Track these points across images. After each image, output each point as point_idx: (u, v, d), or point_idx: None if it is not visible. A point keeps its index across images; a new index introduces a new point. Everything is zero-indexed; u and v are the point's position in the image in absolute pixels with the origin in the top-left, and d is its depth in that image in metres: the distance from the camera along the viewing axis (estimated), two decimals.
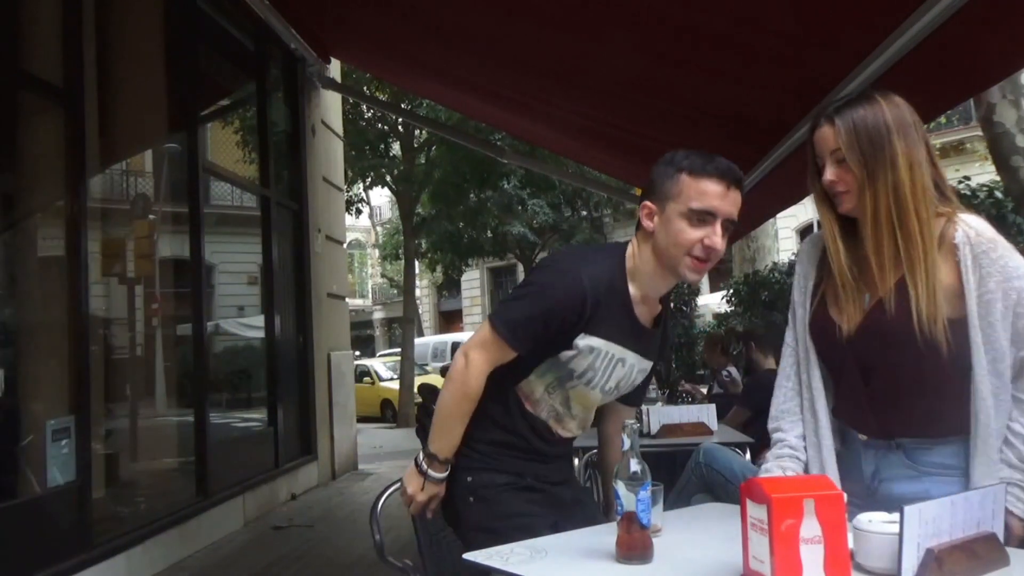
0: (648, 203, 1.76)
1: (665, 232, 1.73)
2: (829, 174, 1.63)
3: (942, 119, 14.30)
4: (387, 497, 2.21)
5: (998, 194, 3.99)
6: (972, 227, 1.55)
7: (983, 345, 1.52)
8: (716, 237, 1.71)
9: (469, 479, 1.89)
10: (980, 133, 4.91)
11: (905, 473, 1.62)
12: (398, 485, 2.13)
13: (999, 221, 3.90)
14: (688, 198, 1.70)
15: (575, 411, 1.93)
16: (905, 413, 1.61)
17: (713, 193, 1.71)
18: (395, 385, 16.08)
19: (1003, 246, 1.55)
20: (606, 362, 1.84)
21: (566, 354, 1.81)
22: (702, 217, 1.71)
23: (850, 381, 1.68)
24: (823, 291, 1.73)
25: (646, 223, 1.76)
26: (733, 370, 5.99)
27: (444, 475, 1.87)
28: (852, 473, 1.69)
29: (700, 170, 1.71)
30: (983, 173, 5.10)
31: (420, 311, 28.14)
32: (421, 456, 1.89)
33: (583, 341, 1.80)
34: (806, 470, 1.74)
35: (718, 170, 1.72)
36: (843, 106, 1.63)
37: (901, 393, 1.61)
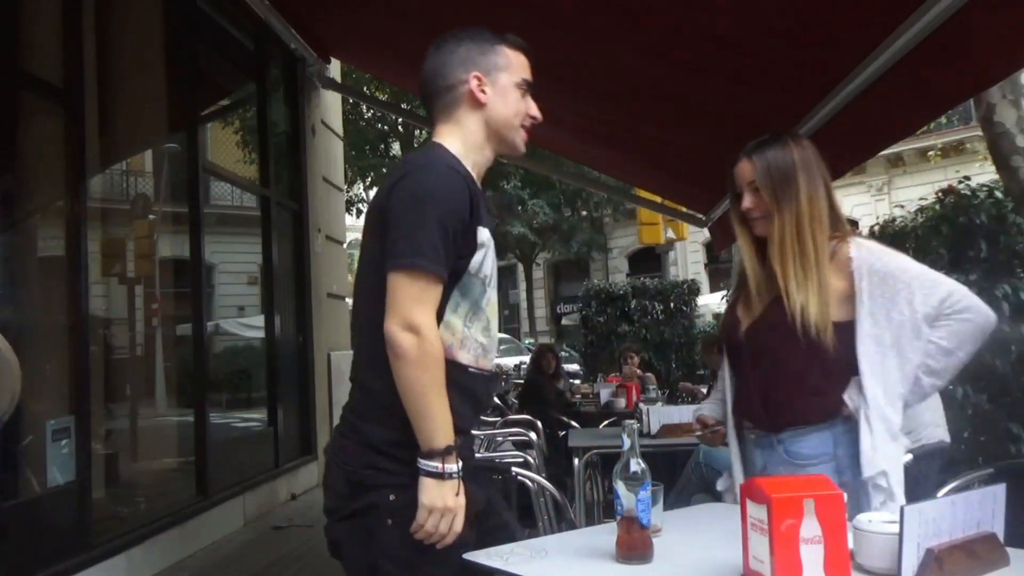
0: (476, 75, 1.67)
1: (503, 103, 1.69)
2: (746, 201, 1.90)
3: (942, 119, 14.30)
4: None
5: (998, 194, 3.99)
6: (864, 243, 1.86)
7: (873, 342, 1.78)
8: (535, 107, 1.74)
9: (392, 497, 1.52)
10: (980, 133, 4.91)
11: (786, 468, 1.81)
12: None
13: (999, 221, 3.90)
14: (519, 69, 1.72)
15: (493, 330, 1.67)
16: (788, 400, 1.84)
17: (529, 66, 1.75)
18: None
19: (890, 252, 1.85)
20: (492, 252, 1.65)
21: (475, 261, 1.58)
22: (528, 88, 1.73)
23: (744, 372, 1.95)
24: (739, 298, 2.01)
25: (479, 95, 1.67)
26: None
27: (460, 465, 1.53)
28: (748, 468, 1.93)
29: (518, 45, 1.75)
30: (983, 173, 5.09)
31: None
32: (431, 464, 1.49)
33: (482, 235, 1.60)
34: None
35: (526, 45, 1.76)
36: (760, 145, 1.91)
37: (785, 380, 1.85)
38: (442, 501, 1.49)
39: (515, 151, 1.75)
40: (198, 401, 5.22)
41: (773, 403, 1.86)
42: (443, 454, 1.49)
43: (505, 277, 28.01)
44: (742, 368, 1.95)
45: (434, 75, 1.69)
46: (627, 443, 1.54)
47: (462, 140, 1.67)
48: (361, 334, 1.62)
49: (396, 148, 16.97)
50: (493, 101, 1.68)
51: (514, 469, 2.38)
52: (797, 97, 2.78)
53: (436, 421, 1.50)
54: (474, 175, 1.67)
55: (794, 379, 1.84)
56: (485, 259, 1.61)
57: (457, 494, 1.51)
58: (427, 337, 1.48)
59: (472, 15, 3.50)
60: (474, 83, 1.67)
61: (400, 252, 1.50)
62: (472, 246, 1.58)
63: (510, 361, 15.35)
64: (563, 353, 13.68)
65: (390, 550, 1.52)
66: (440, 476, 1.48)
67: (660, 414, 3.89)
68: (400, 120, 15.69)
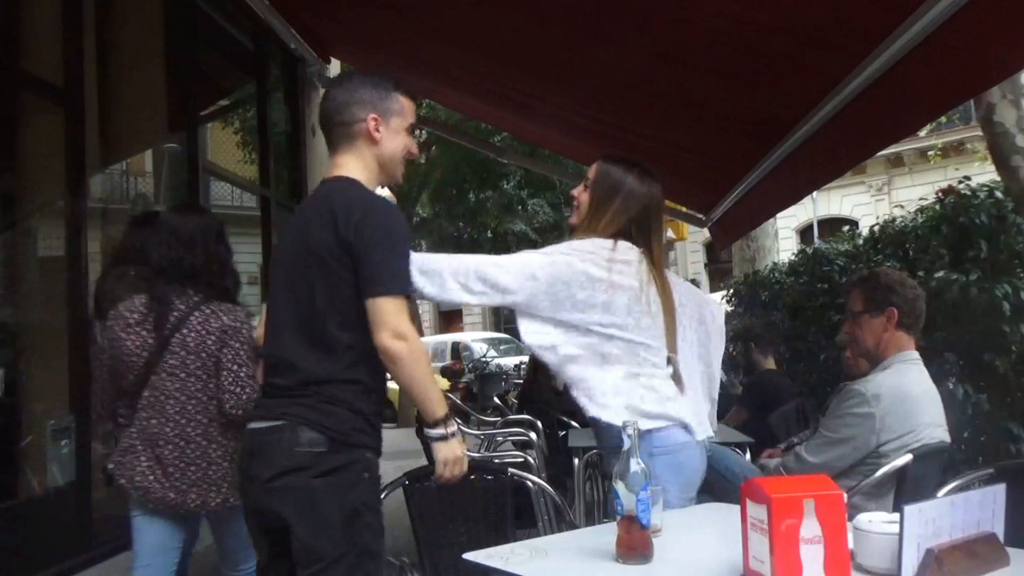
0: (374, 116, 1.98)
1: (393, 142, 2.01)
2: None
3: (942, 119, 14.30)
4: (384, 497, 2.21)
5: (998, 194, 3.98)
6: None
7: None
8: (415, 146, 2.10)
9: (368, 455, 1.93)
10: (980, 133, 4.91)
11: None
12: (394, 484, 2.15)
13: (999, 221, 3.89)
14: (408, 115, 2.04)
15: None
16: None
17: (415, 110, 2.09)
18: (395, 385, 16.05)
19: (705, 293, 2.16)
20: None
21: None
22: (412, 130, 2.07)
23: None
24: None
25: (375, 134, 1.98)
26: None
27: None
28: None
29: (410, 93, 2.07)
30: (983, 173, 5.09)
31: (420, 311, 28.12)
32: (437, 431, 1.93)
33: None
34: None
35: (415, 93, 2.12)
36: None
37: None
38: (452, 454, 1.94)
39: (395, 181, 2.09)
40: None
41: None
42: (443, 421, 1.92)
43: None
44: None
45: (337, 110, 2.00)
46: (627, 443, 1.55)
47: (362, 171, 1.99)
48: (329, 342, 1.88)
49: None
50: (385, 140, 2.00)
51: (511, 470, 2.38)
52: (797, 97, 2.78)
53: (433, 399, 1.92)
54: None
55: None
56: None
57: (460, 445, 1.96)
58: (413, 340, 1.85)
59: (472, 15, 3.51)
60: (372, 123, 1.98)
61: (382, 280, 1.83)
62: None
63: (510, 361, 15.34)
64: None
65: (367, 497, 1.89)
66: (445, 438, 1.93)
67: None
68: None
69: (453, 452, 1.93)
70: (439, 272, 2.00)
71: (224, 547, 2.61)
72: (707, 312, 2.46)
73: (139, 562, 2.60)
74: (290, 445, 1.81)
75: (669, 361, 2.19)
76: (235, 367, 2.43)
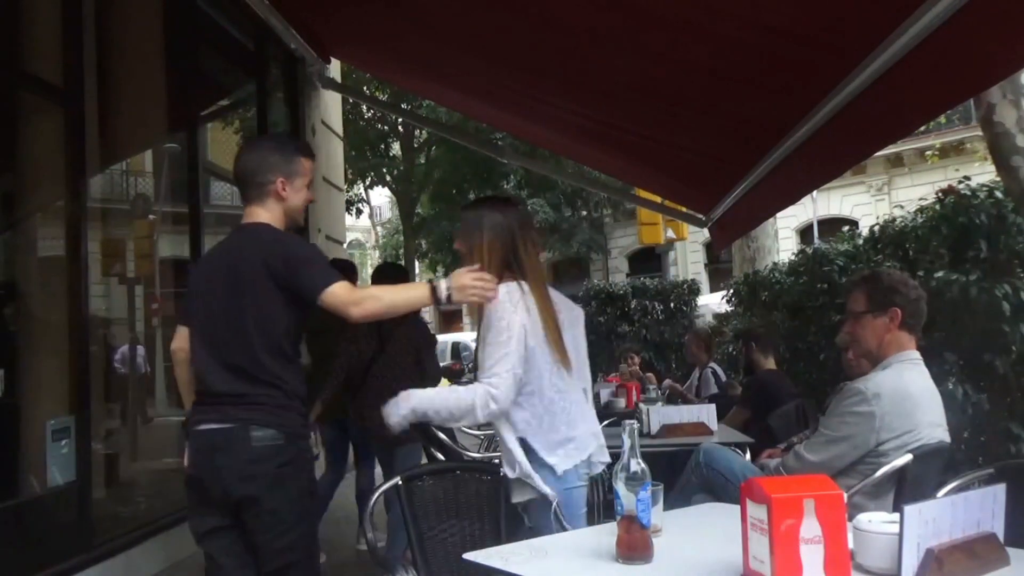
0: (282, 179, 2.39)
1: (296, 197, 2.42)
2: None
3: (942, 119, 14.30)
4: (379, 496, 2.22)
5: (998, 194, 3.98)
6: None
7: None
8: (312, 195, 2.53)
9: (307, 443, 2.39)
10: (980, 133, 4.91)
11: None
12: (391, 484, 2.17)
13: (999, 221, 3.89)
14: (307, 173, 2.46)
15: None
16: None
17: (312, 166, 2.50)
18: None
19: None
20: None
21: None
22: (311, 183, 2.50)
23: None
24: None
25: (282, 193, 2.39)
26: (716, 367, 5.99)
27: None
28: None
29: (309, 154, 2.51)
30: (983, 173, 5.09)
31: (420, 311, 28.10)
32: (442, 296, 2.22)
33: None
34: None
35: (313, 152, 2.57)
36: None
37: None
38: (458, 283, 2.21)
39: (297, 225, 2.52)
40: None
41: None
42: (433, 292, 2.23)
43: None
44: None
45: (252, 172, 2.42)
46: (627, 443, 1.55)
47: (272, 220, 2.39)
48: (262, 359, 2.25)
49: (396, 148, 16.97)
50: (291, 197, 2.41)
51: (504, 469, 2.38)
52: (797, 97, 2.78)
53: (416, 296, 2.31)
54: None
55: None
56: None
57: (458, 277, 2.23)
58: (366, 295, 2.29)
59: (472, 15, 3.51)
60: (279, 184, 2.39)
61: (325, 278, 2.22)
62: None
63: None
64: None
65: (311, 475, 2.37)
66: (447, 294, 2.22)
67: (660, 414, 3.89)
68: (400, 120, 15.69)
69: (459, 282, 2.21)
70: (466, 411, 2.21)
71: None
72: (576, 315, 2.55)
73: None
74: (249, 442, 2.20)
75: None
76: None
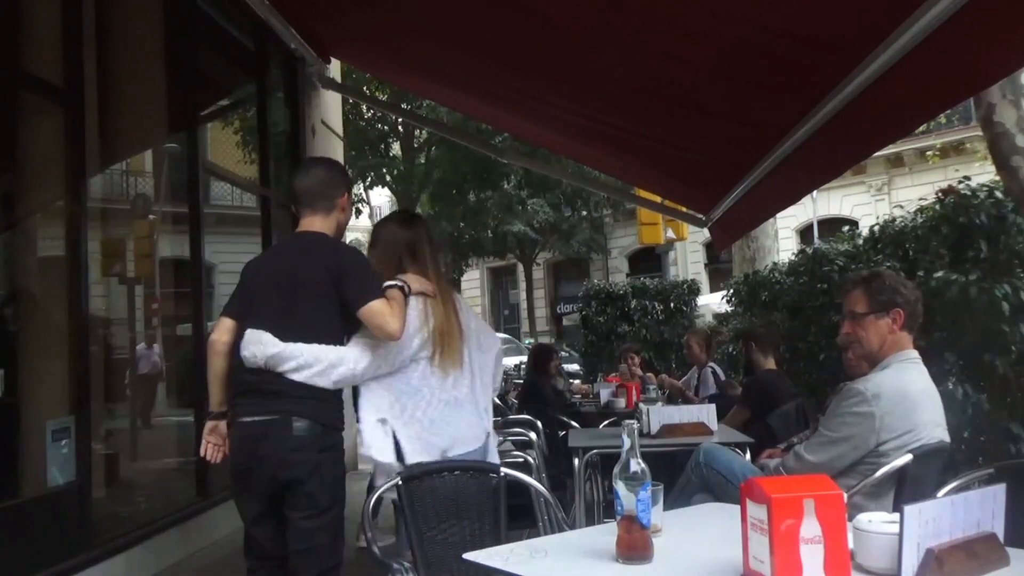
0: (345, 195, 2.70)
1: (348, 214, 2.74)
2: None
3: (942, 119, 14.31)
4: (377, 496, 2.22)
5: (998, 194, 3.98)
6: None
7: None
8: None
9: (342, 449, 2.60)
10: (980, 133, 4.90)
11: None
12: (389, 484, 2.17)
13: (999, 221, 3.89)
14: (350, 200, 2.79)
15: None
16: None
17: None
18: None
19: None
20: None
21: None
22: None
23: None
24: None
25: (344, 206, 2.69)
26: (716, 367, 5.99)
27: None
28: None
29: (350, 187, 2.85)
30: (983, 173, 5.08)
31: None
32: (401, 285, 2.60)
33: None
34: None
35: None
36: None
37: None
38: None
39: (340, 237, 2.77)
40: (198, 401, 5.22)
41: None
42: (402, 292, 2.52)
43: (505, 277, 28.00)
44: None
45: (324, 185, 2.65)
46: (627, 443, 1.55)
47: (331, 231, 2.65)
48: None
49: (396, 148, 16.97)
50: (346, 212, 2.72)
51: (503, 469, 2.38)
52: (797, 97, 2.78)
53: (403, 304, 2.52)
54: None
55: None
56: None
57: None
58: (395, 318, 2.43)
59: (472, 16, 3.51)
60: (344, 199, 2.70)
61: (372, 290, 2.44)
62: None
63: (510, 361, 15.33)
64: (563, 353, 13.67)
65: (343, 465, 2.57)
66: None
67: (660, 414, 3.89)
68: (400, 120, 15.69)
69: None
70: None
71: None
72: (490, 342, 2.87)
73: None
74: (291, 431, 2.38)
75: None
76: None
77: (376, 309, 2.37)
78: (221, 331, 2.55)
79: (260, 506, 2.48)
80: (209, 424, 2.62)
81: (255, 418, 2.41)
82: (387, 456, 2.44)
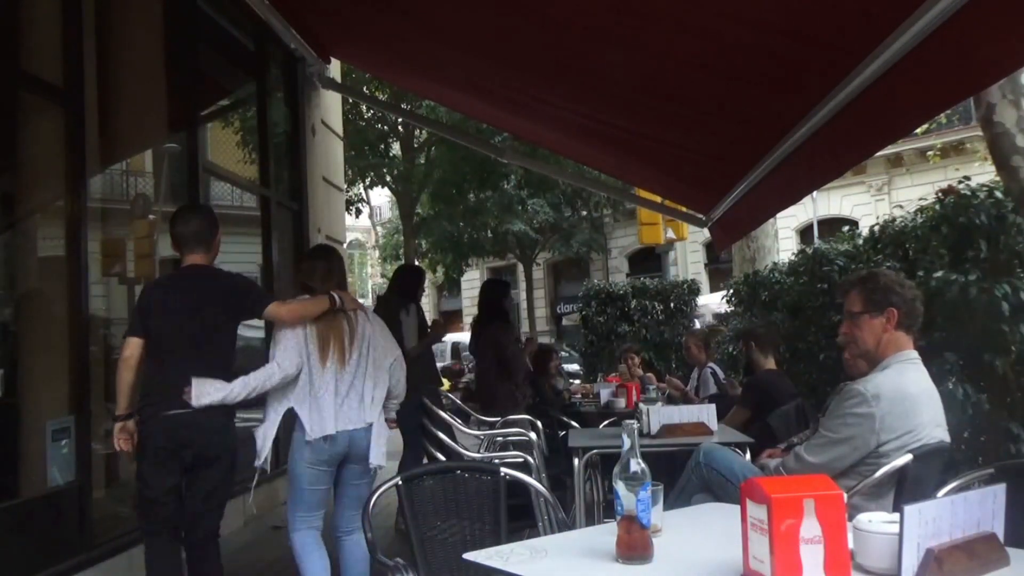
0: (219, 235, 3.36)
1: (216, 251, 3.38)
2: None
3: (942, 119, 14.30)
4: (378, 496, 2.22)
5: (998, 194, 3.98)
6: None
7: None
8: None
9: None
10: (980, 133, 4.91)
11: None
12: (390, 484, 2.17)
13: (999, 221, 3.89)
14: (220, 240, 3.42)
15: None
16: None
17: None
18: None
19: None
20: None
21: None
22: None
23: None
24: None
25: (217, 246, 3.37)
26: (716, 367, 5.99)
27: None
28: None
29: None
30: (983, 173, 5.09)
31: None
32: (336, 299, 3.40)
33: None
34: None
35: None
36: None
37: None
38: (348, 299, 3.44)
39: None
40: None
41: None
42: (331, 302, 3.34)
43: (505, 277, 28.01)
44: None
45: (205, 228, 3.28)
46: (627, 443, 1.55)
47: (211, 264, 3.30)
48: (217, 362, 3.17)
49: (396, 148, 16.97)
50: (218, 249, 3.34)
51: (503, 469, 2.38)
52: (797, 97, 2.78)
53: (319, 307, 3.32)
54: None
55: None
56: None
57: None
58: (285, 308, 3.31)
59: (472, 15, 3.51)
60: (218, 239, 3.32)
61: (264, 298, 3.33)
62: None
63: None
64: (563, 353, 13.67)
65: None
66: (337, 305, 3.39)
67: (660, 414, 3.89)
68: (400, 120, 15.69)
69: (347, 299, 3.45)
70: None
71: None
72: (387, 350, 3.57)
73: None
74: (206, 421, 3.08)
75: None
76: None
77: (272, 310, 3.22)
78: (132, 349, 3.07)
79: (175, 479, 3.08)
80: (118, 424, 3.10)
81: (182, 411, 3.02)
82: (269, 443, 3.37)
